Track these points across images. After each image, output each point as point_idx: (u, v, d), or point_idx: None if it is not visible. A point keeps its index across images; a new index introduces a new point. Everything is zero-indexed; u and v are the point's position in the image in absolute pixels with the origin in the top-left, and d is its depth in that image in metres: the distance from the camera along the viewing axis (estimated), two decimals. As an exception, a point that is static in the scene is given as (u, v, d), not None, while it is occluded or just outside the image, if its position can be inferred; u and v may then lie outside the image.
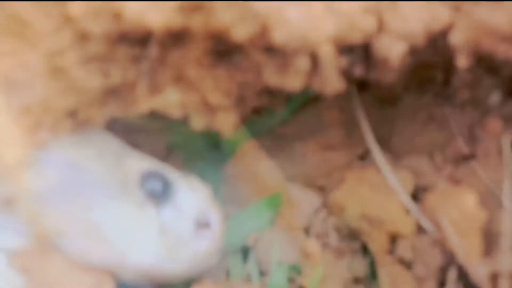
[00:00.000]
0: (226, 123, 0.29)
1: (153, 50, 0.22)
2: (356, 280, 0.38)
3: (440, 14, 0.23)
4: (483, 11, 0.22)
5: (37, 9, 0.19)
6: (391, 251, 0.35)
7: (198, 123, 0.28)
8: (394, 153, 0.37)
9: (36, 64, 0.20)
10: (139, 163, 0.32)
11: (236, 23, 0.18)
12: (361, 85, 0.36)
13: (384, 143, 0.36)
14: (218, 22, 0.18)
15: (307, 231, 0.39)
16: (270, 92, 0.31)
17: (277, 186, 0.41)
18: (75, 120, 0.24)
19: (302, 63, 0.21)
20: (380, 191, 0.33)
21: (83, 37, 0.20)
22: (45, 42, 0.20)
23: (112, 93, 0.25)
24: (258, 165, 0.42)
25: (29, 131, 0.22)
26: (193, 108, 0.28)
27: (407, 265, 0.34)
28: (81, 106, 0.24)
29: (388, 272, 0.34)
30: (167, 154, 0.43)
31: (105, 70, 0.23)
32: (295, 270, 0.38)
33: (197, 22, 0.19)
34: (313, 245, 0.38)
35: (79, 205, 0.28)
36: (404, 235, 0.33)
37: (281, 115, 0.36)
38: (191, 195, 0.33)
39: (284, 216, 0.39)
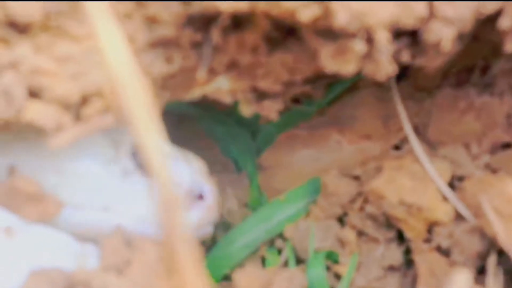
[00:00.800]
0: (273, 109, 0.30)
1: (215, 35, 0.23)
2: (391, 268, 0.38)
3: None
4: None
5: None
6: (428, 238, 0.35)
7: (246, 109, 0.29)
8: (430, 143, 0.37)
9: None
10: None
11: (301, 6, 0.19)
12: (399, 75, 0.37)
13: (420, 133, 0.37)
14: (283, 6, 0.19)
15: (341, 220, 0.40)
16: (312, 81, 0.32)
17: (312, 175, 0.42)
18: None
19: (359, 47, 0.22)
20: (418, 180, 0.34)
21: (152, 22, 0.22)
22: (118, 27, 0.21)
23: (170, 78, 0.26)
24: (293, 154, 0.43)
25: (94, 114, 0.23)
26: (242, 94, 0.29)
27: (444, 252, 0.35)
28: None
29: (425, 259, 0.35)
30: (200, 141, 0.44)
31: (168, 55, 0.24)
32: (332, 257, 0.39)
33: (263, 5, 0.20)
34: (349, 234, 0.39)
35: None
36: (442, 222, 0.34)
37: (318, 104, 0.37)
38: (185, 167, 0.34)
39: (319, 205, 0.39)
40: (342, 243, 0.39)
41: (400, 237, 0.38)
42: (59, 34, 0.21)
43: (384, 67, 0.23)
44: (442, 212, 0.33)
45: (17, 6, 0.19)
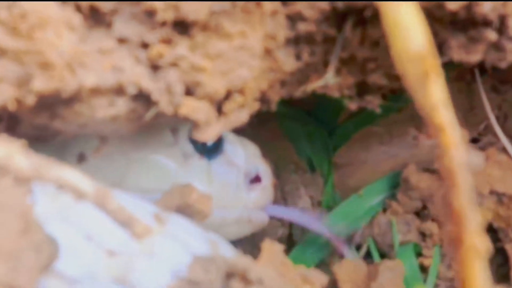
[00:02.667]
0: (375, 103, 0.31)
1: (348, 30, 0.24)
2: (477, 258, 0.39)
3: None
4: None
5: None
6: (517, 227, 0.36)
7: (351, 103, 0.30)
8: (510, 134, 0.39)
9: (255, 46, 0.22)
10: None
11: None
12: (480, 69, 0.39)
13: (502, 125, 0.38)
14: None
15: (419, 214, 0.41)
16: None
17: (389, 172, 0.43)
18: (262, 100, 0.27)
19: (492, 35, 0.23)
20: (507, 169, 0.35)
21: (296, 19, 0.23)
22: (264, 25, 0.22)
23: (291, 75, 0.27)
24: (369, 151, 0.44)
25: (234, 110, 0.24)
26: (348, 89, 0.30)
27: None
28: (270, 87, 0.26)
29: (516, 246, 0.36)
30: (277, 141, 0.45)
31: (298, 51, 0.25)
32: (415, 250, 0.39)
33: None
34: (431, 227, 0.40)
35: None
36: (533, 211, 0.35)
37: (402, 100, 0.38)
38: (242, 151, 0.35)
39: (399, 199, 0.40)
40: (424, 235, 0.40)
41: (488, 230, 0.39)
42: (214, 32, 0.22)
43: (511, 55, 0.24)
44: (533, 200, 0.34)
45: (189, 5, 0.20)
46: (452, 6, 0.21)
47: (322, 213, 0.43)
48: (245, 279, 0.23)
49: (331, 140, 0.42)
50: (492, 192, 0.35)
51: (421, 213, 0.40)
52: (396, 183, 0.41)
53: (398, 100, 0.39)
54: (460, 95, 0.38)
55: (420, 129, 0.41)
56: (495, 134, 0.36)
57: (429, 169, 0.40)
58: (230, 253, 0.27)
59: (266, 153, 0.40)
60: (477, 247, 0.16)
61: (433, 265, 0.38)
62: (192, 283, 0.22)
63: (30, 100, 0.19)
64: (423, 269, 0.39)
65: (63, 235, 0.21)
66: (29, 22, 0.17)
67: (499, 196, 0.34)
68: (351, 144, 0.42)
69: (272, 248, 0.28)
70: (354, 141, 0.42)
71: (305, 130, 0.42)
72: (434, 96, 0.18)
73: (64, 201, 0.21)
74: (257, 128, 0.42)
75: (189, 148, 0.31)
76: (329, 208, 0.43)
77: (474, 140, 0.40)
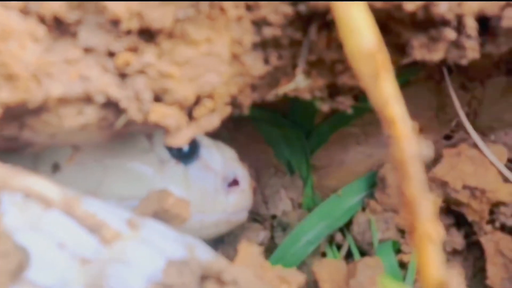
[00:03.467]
0: (347, 104, 0.32)
1: (313, 33, 0.25)
2: (455, 252, 0.40)
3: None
4: None
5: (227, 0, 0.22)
6: (491, 219, 0.37)
7: (323, 105, 0.31)
8: (481, 130, 0.39)
9: (222, 52, 0.23)
10: None
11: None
12: (448, 67, 0.40)
13: (471, 121, 0.39)
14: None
15: (396, 211, 0.42)
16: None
17: (366, 171, 0.44)
18: (234, 105, 0.27)
19: (451, 35, 0.24)
20: (478, 164, 0.36)
21: (261, 24, 0.23)
22: (229, 30, 0.23)
23: (261, 79, 0.28)
24: (346, 152, 0.44)
25: (204, 115, 0.24)
26: (319, 91, 0.31)
27: (509, 231, 0.36)
28: (240, 91, 0.27)
29: (491, 239, 0.36)
30: (256, 144, 0.46)
31: (266, 56, 0.26)
32: (394, 246, 0.40)
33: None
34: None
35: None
36: (505, 202, 0.36)
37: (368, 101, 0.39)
38: (219, 155, 0.36)
39: (377, 198, 0.41)
40: (403, 232, 0.41)
41: (459, 223, 0.40)
42: (181, 39, 0.22)
43: (470, 53, 0.25)
44: (504, 193, 0.35)
45: (153, 13, 0.20)
46: (409, 6, 0.22)
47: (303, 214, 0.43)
48: (220, 281, 0.23)
49: (308, 142, 0.43)
50: (465, 187, 0.35)
51: (399, 210, 0.41)
52: (374, 182, 0.42)
53: (367, 101, 0.39)
54: (431, 94, 0.39)
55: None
56: (466, 131, 0.37)
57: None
58: (207, 256, 0.27)
59: (245, 157, 0.40)
60: (430, 233, 0.16)
61: (412, 261, 0.39)
62: (167, 287, 0.23)
63: (-4, 111, 0.19)
64: (403, 265, 0.40)
65: (34, 244, 0.21)
66: (-7, 34, 0.18)
67: (471, 190, 0.35)
68: (328, 146, 0.43)
69: (248, 249, 0.28)
70: (331, 143, 0.43)
71: (282, 133, 0.42)
72: (385, 91, 0.18)
73: (33, 210, 0.21)
74: (234, 132, 0.43)
75: (165, 154, 0.32)
76: (309, 209, 0.43)
77: (446, 137, 0.41)
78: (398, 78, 0.39)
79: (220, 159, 0.34)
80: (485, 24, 0.27)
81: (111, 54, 0.21)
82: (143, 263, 0.23)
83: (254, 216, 0.44)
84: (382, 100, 0.18)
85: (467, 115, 0.38)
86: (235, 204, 0.35)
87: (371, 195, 0.41)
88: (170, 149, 0.32)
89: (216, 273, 0.23)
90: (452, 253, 0.39)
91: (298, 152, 0.44)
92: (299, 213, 0.44)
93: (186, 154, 0.33)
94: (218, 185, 0.34)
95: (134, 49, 0.21)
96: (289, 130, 0.42)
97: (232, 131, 0.41)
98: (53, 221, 0.22)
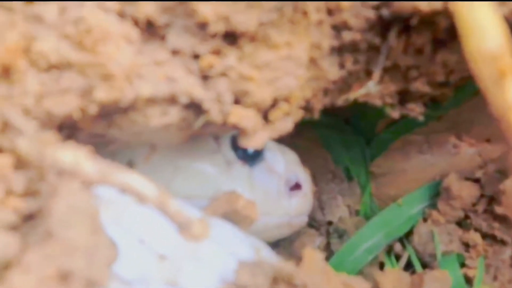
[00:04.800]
0: (418, 111, 0.31)
1: (392, 38, 0.24)
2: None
3: None
4: None
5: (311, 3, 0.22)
6: None
7: (393, 112, 0.31)
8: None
9: (300, 56, 0.23)
10: None
11: (497, 4, 0.21)
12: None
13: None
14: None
15: (460, 223, 0.41)
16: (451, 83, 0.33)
17: (427, 181, 0.43)
18: (306, 109, 0.27)
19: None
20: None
21: (342, 28, 0.23)
22: (309, 35, 0.23)
23: (334, 84, 0.28)
24: (408, 160, 0.43)
25: (280, 118, 0.25)
26: (390, 97, 0.30)
27: None
28: (314, 95, 0.27)
29: None
30: (315, 150, 0.45)
31: (341, 60, 0.26)
32: (458, 260, 0.39)
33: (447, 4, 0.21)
34: (475, 237, 0.39)
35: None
36: None
37: (443, 108, 0.38)
38: (282, 158, 0.36)
39: (440, 208, 0.40)
40: (467, 246, 0.40)
41: (527, 238, 0.38)
42: (262, 43, 0.22)
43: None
44: None
45: (239, 17, 0.20)
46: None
47: (360, 222, 0.43)
48: (290, 284, 0.23)
49: (369, 149, 0.42)
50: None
51: (463, 223, 0.40)
52: (436, 192, 0.40)
53: (438, 108, 0.38)
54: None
55: (461, 137, 0.41)
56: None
57: (471, 178, 0.40)
58: (272, 258, 0.27)
59: (304, 162, 0.40)
60: None
61: (478, 276, 0.38)
62: (239, 287, 0.23)
63: (92, 109, 0.20)
64: (467, 280, 0.38)
65: (118, 238, 0.22)
66: (93, 37, 0.18)
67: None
68: (389, 153, 0.42)
69: (313, 256, 0.28)
70: (392, 150, 0.42)
71: (342, 139, 0.42)
72: (509, 96, 0.17)
73: (116, 207, 0.22)
74: (295, 137, 0.43)
75: (231, 155, 0.32)
76: (367, 217, 0.43)
77: (517, 149, 0.39)
78: (466, 88, 0.38)
79: (283, 162, 0.35)
80: None
81: (196, 57, 0.22)
82: (215, 261, 0.24)
83: (310, 222, 0.44)
84: (504, 105, 0.17)
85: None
86: (297, 207, 0.35)
87: (433, 206, 0.40)
88: (236, 151, 0.32)
89: (287, 277, 0.23)
90: (520, 270, 0.37)
91: (358, 158, 0.43)
92: (356, 220, 0.43)
93: (251, 156, 0.33)
94: (281, 188, 0.34)
95: (217, 52, 0.22)
96: (349, 136, 0.41)
97: (293, 135, 0.41)
98: (135, 218, 0.23)
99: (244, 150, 0.33)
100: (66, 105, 0.19)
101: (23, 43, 0.18)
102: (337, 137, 0.42)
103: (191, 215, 0.23)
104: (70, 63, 0.19)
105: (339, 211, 0.44)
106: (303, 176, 0.36)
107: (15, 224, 0.17)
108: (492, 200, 0.38)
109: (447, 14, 0.23)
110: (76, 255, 0.15)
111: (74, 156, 0.17)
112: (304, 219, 0.37)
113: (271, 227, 0.33)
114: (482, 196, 0.39)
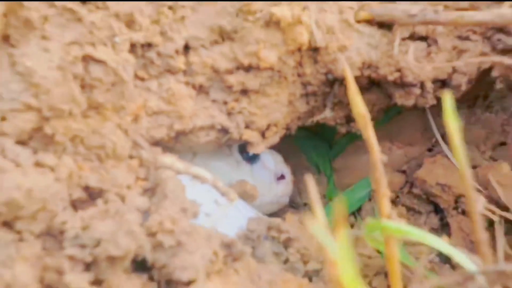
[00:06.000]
0: (358, 128, 0.49)
1: (336, 89, 0.42)
2: (431, 230, 0.56)
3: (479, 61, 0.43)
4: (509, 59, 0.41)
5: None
6: (455, 207, 0.53)
7: (341, 129, 0.48)
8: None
9: (283, 100, 0.40)
10: None
11: (388, 73, 0.38)
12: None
13: (445, 139, 0.55)
14: (380, 72, 0.38)
15: (393, 201, 0.58)
16: (378, 110, 0.51)
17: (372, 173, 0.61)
18: (287, 129, 0.44)
19: (417, 91, 0.41)
20: (448, 169, 0.52)
21: (306, 84, 0.40)
22: (288, 88, 0.40)
23: (304, 113, 0.45)
24: (358, 159, 0.61)
25: (271, 136, 0.42)
26: (339, 120, 0.48)
27: (467, 214, 0.52)
28: (291, 121, 0.44)
29: (455, 220, 0.52)
30: (294, 153, 0.63)
31: (307, 101, 0.43)
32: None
33: (375, 75, 0.39)
34: (402, 210, 0.57)
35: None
36: (464, 195, 0.52)
37: (378, 123, 0.56)
38: (272, 159, 0.54)
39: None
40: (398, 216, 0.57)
41: (436, 210, 0.57)
42: (261, 94, 0.40)
43: (430, 100, 0.41)
44: (464, 189, 0.51)
45: (249, 81, 0.38)
46: (390, 77, 0.39)
47: (326, 203, 0.60)
48: (279, 229, 0.40)
49: (331, 151, 0.60)
50: (438, 184, 0.52)
51: (395, 201, 0.58)
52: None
53: (375, 124, 0.56)
54: (418, 119, 0.55)
55: (392, 142, 0.59)
56: (440, 146, 0.54)
57: (399, 170, 0.58)
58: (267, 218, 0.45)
59: (286, 160, 0.58)
60: (385, 193, 0.33)
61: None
62: (250, 231, 0.40)
63: (172, 134, 0.36)
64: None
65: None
66: (175, 96, 0.35)
67: (442, 186, 0.52)
68: (345, 154, 0.60)
69: (292, 217, 0.46)
70: (347, 152, 0.60)
71: (313, 145, 0.60)
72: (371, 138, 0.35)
73: (187, 186, 0.39)
74: (281, 145, 0.61)
75: (239, 157, 0.50)
76: (331, 199, 0.60)
77: (429, 150, 0.58)
78: (392, 110, 0.55)
79: (273, 161, 0.52)
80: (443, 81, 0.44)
81: (225, 103, 0.39)
82: (235, 219, 0.41)
83: (291, 203, 0.62)
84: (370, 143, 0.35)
85: (442, 135, 0.55)
86: (282, 191, 0.52)
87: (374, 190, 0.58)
88: (242, 154, 0.50)
89: (277, 226, 0.40)
90: (430, 231, 0.55)
91: (324, 158, 0.61)
92: (324, 202, 0.61)
93: (252, 158, 0.50)
94: (272, 178, 0.51)
95: (236, 100, 0.39)
96: (317, 142, 0.59)
97: (279, 143, 0.59)
98: (194, 192, 0.40)
99: (247, 154, 0.50)
100: (161, 133, 0.36)
101: (143, 103, 0.34)
102: (309, 143, 0.59)
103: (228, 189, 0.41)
104: (163, 111, 0.35)
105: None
106: (286, 170, 0.54)
107: (142, 193, 0.34)
108: (413, 184, 0.56)
109: (362, 78, 0.41)
110: (177, 205, 0.32)
111: (171, 160, 0.34)
112: (287, 199, 0.54)
113: (265, 204, 0.51)
114: (406, 182, 0.57)
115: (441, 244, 0.29)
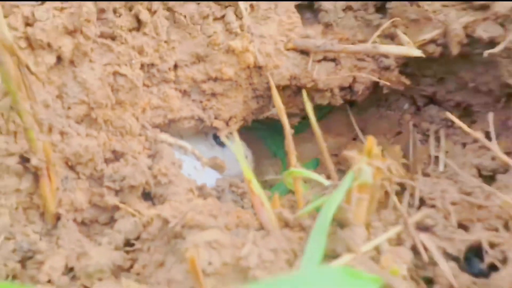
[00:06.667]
0: (296, 121, 0.69)
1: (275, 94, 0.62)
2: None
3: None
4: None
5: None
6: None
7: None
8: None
9: (240, 100, 0.60)
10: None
11: (308, 83, 0.59)
12: (350, 104, 0.77)
13: (363, 131, 0.76)
14: (301, 82, 0.59)
15: (328, 177, 0.79)
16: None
17: (313, 157, 0.81)
18: (244, 120, 0.64)
19: (328, 94, 0.61)
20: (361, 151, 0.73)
21: (255, 89, 0.61)
22: (243, 93, 0.60)
23: (256, 110, 0.65)
24: (303, 146, 0.82)
25: (233, 124, 0.62)
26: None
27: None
28: (247, 115, 0.64)
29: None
30: (255, 141, 0.84)
31: (258, 101, 0.63)
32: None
33: (309, 86, 0.59)
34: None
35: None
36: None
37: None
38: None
39: (318, 171, 0.78)
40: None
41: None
42: (225, 97, 0.60)
43: (338, 101, 0.62)
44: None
45: (216, 86, 0.58)
46: (308, 85, 0.59)
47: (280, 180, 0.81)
48: (237, 186, 0.61)
49: (284, 140, 0.81)
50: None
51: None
52: (317, 164, 0.79)
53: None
54: (343, 117, 0.76)
55: (328, 133, 0.79)
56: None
57: (332, 154, 0.79)
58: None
59: (249, 147, 0.79)
60: (293, 152, 0.53)
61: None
62: (217, 186, 0.60)
63: (166, 122, 0.57)
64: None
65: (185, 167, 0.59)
66: (168, 97, 0.56)
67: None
68: (295, 142, 0.81)
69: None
70: (295, 140, 0.80)
71: (269, 134, 0.80)
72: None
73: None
74: (245, 135, 0.82)
75: (213, 142, 0.70)
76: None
77: (354, 139, 0.78)
78: (321, 110, 0.77)
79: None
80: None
81: (201, 102, 0.59)
82: (208, 178, 0.61)
83: (254, 180, 0.82)
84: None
85: (362, 129, 0.75)
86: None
87: (315, 170, 0.78)
88: (215, 140, 0.70)
89: (236, 183, 0.60)
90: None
91: (279, 145, 0.82)
92: (278, 178, 0.82)
93: (222, 143, 0.70)
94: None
95: (208, 100, 0.59)
96: (273, 133, 0.80)
97: (244, 132, 0.80)
98: (186, 162, 0.60)
99: (219, 139, 0.70)
100: (159, 120, 0.56)
101: (148, 101, 0.55)
102: (266, 134, 0.80)
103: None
104: (160, 106, 0.56)
105: (268, 174, 0.82)
106: (248, 153, 0.74)
107: (147, 157, 0.54)
108: (340, 163, 0.77)
109: (291, 85, 0.62)
110: (169, 160, 0.52)
111: (165, 136, 0.54)
112: None
113: (232, 176, 0.71)
114: (337, 162, 0.78)
115: (317, 177, 0.50)
